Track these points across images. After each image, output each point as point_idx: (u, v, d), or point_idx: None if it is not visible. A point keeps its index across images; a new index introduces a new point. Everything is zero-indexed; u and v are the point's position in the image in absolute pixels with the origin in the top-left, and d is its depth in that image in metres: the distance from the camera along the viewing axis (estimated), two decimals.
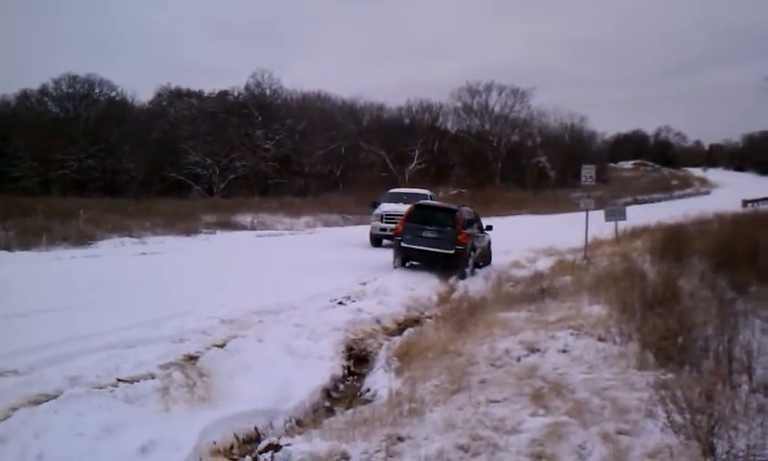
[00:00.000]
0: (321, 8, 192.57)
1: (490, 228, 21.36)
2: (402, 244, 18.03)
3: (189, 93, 73.00)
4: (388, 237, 23.28)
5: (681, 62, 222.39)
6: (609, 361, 7.40)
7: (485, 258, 20.78)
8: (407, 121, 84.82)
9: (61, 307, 10.28)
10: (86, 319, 9.50)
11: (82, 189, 52.11)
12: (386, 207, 24.90)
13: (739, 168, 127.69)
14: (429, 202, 21.57)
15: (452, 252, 17.33)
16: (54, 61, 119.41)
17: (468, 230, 18.26)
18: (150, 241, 24.02)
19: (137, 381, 6.91)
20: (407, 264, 18.49)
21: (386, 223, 23.98)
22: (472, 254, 18.49)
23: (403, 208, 21.83)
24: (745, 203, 51.71)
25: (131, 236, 24.66)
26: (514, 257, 21.39)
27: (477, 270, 19.14)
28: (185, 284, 13.89)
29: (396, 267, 18.23)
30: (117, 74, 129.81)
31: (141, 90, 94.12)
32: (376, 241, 24.82)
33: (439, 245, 17.41)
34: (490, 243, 21.42)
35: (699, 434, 4.54)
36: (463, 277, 17.26)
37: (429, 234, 17.55)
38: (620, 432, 5.24)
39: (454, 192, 58.48)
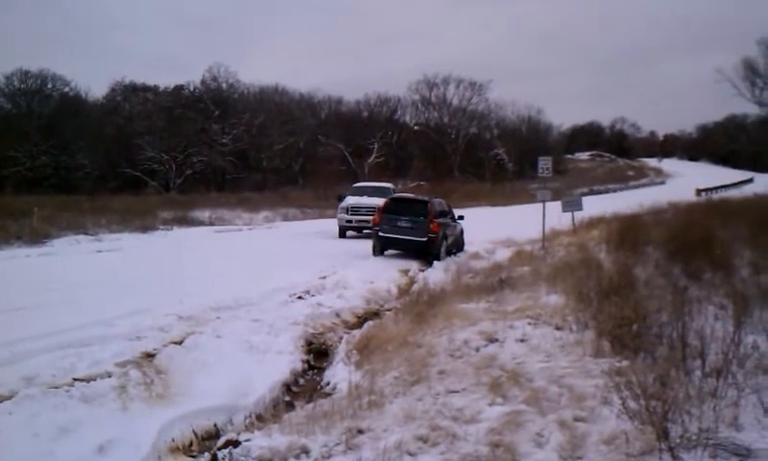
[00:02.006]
0: (278, 0, 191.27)
1: (461, 217, 22.71)
2: (380, 234, 19.73)
3: (144, 88, 71.93)
4: (353, 229, 25.73)
5: (636, 54, 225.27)
6: (566, 349, 7.48)
7: (458, 246, 21.92)
8: (365, 114, 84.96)
9: (16, 307, 10.09)
10: (41, 318, 9.34)
11: (35, 187, 51.10)
12: (351, 201, 26.15)
13: (693, 158, 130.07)
14: (404, 195, 23.46)
15: (425, 239, 19.01)
16: (4, 57, 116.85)
17: (440, 220, 19.83)
18: (106, 238, 23.72)
19: (94, 380, 6.83)
20: (385, 252, 20.13)
21: (351, 215, 25.52)
22: (444, 241, 19.84)
23: (368, 201, 25.00)
24: (699, 192, 52.73)
25: (86, 234, 24.39)
26: (473, 249, 21.67)
27: (451, 257, 20.12)
28: (141, 281, 13.73)
29: (375, 255, 19.79)
30: (70, 69, 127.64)
31: (95, 85, 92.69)
32: (342, 233, 26.08)
33: (413, 234, 19.15)
34: (462, 231, 22.66)
35: (653, 419, 4.61)
36: (437, 260, 18.78)
37: (404, 224, 19.29)
38: (577, 419, 5.30)
39: (413, 185, 58.55)
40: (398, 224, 19.35)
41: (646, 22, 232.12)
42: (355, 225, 25.66)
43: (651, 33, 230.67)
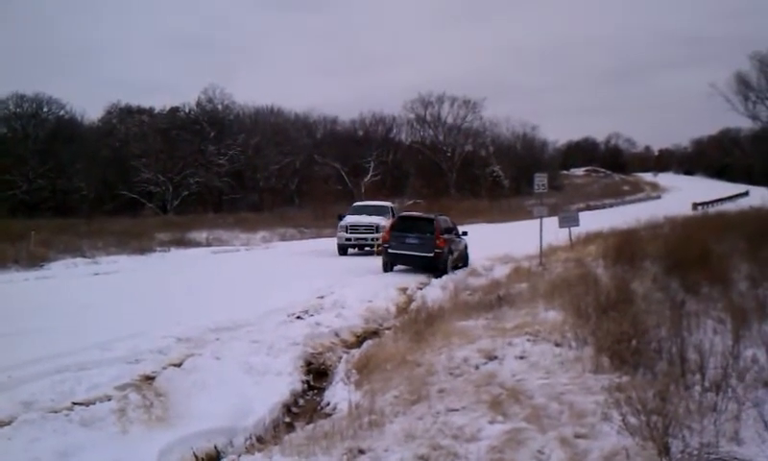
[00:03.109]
0: (272, 22, 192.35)
1: (465, 233, 23.98)
2: (389, 250, 20.88)
3: (140, 110, 72.12)
4: (352, 246, 26.91)
5: (630, 69, 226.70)
6: (565, 366, 7.47)
7: (463, 260, 22.87)
8: (361, 133, 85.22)
9: (14, 332, 10.08)
10: (40, 342, 9.31)
11: (32, 210, 51.23)
12: (350, 219, 27.20)
13: (688, 172, 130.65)
14: (411, 213, 24.75)
15: (432, 255, 20.16)
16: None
17: (446, 236, 20.93)
18: (103, 261, 23.75)
19: (93, 404, 6.82)
20: (393, 268, 21.22)
21: (350, 233, 26.65)
22: (450, 256, 21.03)
23: (366, 220, 26.61)
24: (695, 206, 52.84)
25: (83, 257, 24.42)
26: (471, 266, 21.65)
27: (457, 271, 21.04)
28: (139, 304, 13.71)
29: (385, 271, 20.88)
30: (65, 93, 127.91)
31: (90, 108, 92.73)
32: (343, 250, 26.92)
33: (420, 249, 20.26)
34: (466, 247, 23.64)
35: (654, 435, 4.61)
36: (444, 274, 19.72)
37: (412, 241, 20.43)
38: (578, 436, 5.29)
39: (410, 203, 58.64)
40: (406, 241, 20.46)
41: (640, 38, 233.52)
42: (354, 243, 26.79)
43: (645, 48, 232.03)
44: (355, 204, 31.67)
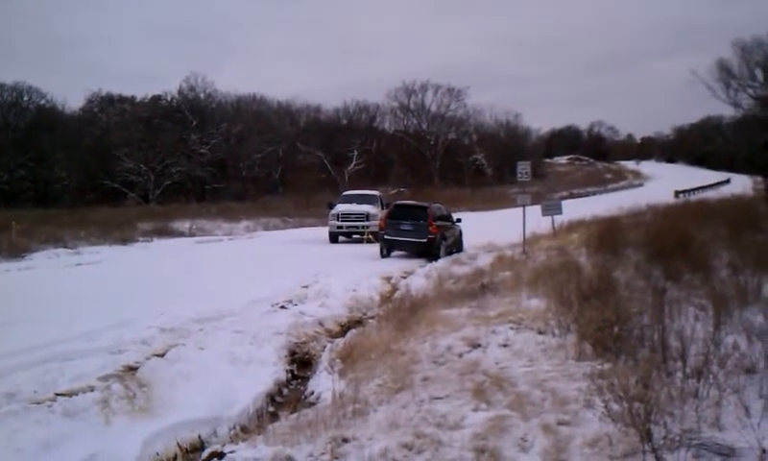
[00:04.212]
0: (255, 8, 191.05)
1: (459, 220, 25.10)
2: (385, 237, 22.28)
3: (121, 99, 71.26)
4: (344, 234, 28.19)
5: (612, 57, 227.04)
6: (548, 353, 7.51)
7: (457, 246, 23.80)
8: (344, 122, 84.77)
9: None
10: (22, 333, 9.23)
11: (13, 200, 50.63)
12: (341, 208, 28.45)
13: (671, 160, 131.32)
14: (406, 202, 26.05)
15: (425, 240, 21.53)
16: None
17: (439, 223, 22.29)
18: (85, 251, 23.60)
19: (76, 395, 6.78)
20: (390, 253, 22.40)
21: (342, 221, 27.98)
22: (444, 242, 22.30)
23: (356, 208, 28.03)
24: (677, 193, 53.19)
25: (65, 247, 24.25)
26: (454, 255, 21.72)
27: (451, 255, 21.77)
28: (122, 294, 13.64)
29: (382, 257, 22.01)
30: (46, 82, 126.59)
31: (71, 97, 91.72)
32: (334, 238, 28.14)
33: (414, 235, 21.64)
34: (461, 233, 24.64)
35: (636, 422, 4.63)
36: (438, 258, 20.76)
37: (406, 227, 21.78)
38: (560, 423, 5.32)
39: (393, 191, 58.46)
40: (401, 227, 21.83)
41: (623, 27, 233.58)
42: (346, 230, 28.15)
43: (627, 36, 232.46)
44: (345, 193, 32.57)
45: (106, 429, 6.33)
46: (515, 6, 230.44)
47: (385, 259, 21.77)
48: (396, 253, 22.58)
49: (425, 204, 23.53)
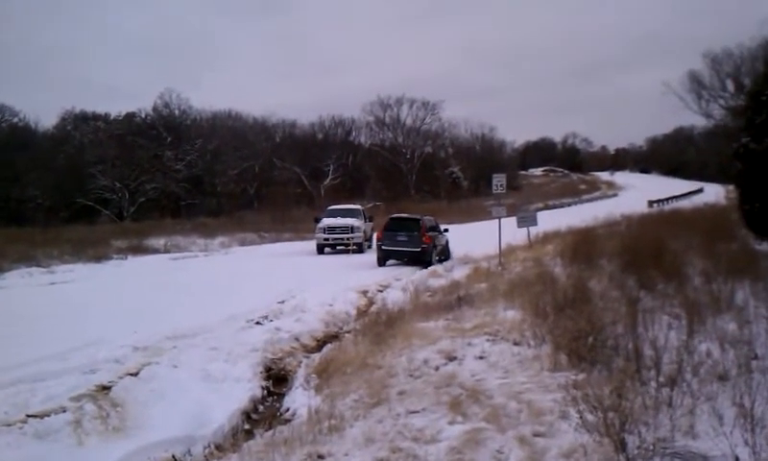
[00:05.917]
0: (228, 25, 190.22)
1: (446, 230, 27.02)
2: (383, 247, 24.27)
3: (95, 116, 70.68)
4: (330, 246, 29.98)
5: (585, 70, 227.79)
6: (524, 365, 7.53)
7: (445, 254, 25.70)
8: (320, 136, 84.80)
9: None
10: None
11: None
12: (327, 221, 30.31)
13: (644, 170, 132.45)
14: (401, 215, 27.45)
15: (419, 249, 23.57)
16: None
17: (430, 233, 24.39)
18: (59, 270, 23.39)
19: (48, 416, 6.71)
20: (387, 262, 24.29)
21: (328, 234, 29.83)
22: (434, 250, 24.35)
23: (342, 222, 30.11)
24: (651, 203, 53.63)
25: (39, 266, 24.02)
26: (431, 268, 21.73)
27: (441, 263, 23.63)
28: (96, 313, 13.52)
29: (380, 266, 23.94)
30: (18, 100, 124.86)
31: (45, 116, 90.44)
32: (321, 249, 29.90)
33: (409, 245, 23.68)
34: (448, 242, 26.50)
35: (611, 431, 4.65)
36: (429, 265, 22.42)
37: (402, 238, 23.86)
38: (536, 435, 5.33)
39: (370, 205, 58.38)
40: (397, 238, 23.91)
41: (597, 39, 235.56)
42: (332, 242, 29.97)
43: (599, 49, 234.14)
44: (330, 207, 33.83)
45: (78, 451, 6.26)
46: (487, 20, 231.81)
47: (360, 270, 22.12)
48: (387, 262, 24.26)
49: (418, 216, 25.62)
